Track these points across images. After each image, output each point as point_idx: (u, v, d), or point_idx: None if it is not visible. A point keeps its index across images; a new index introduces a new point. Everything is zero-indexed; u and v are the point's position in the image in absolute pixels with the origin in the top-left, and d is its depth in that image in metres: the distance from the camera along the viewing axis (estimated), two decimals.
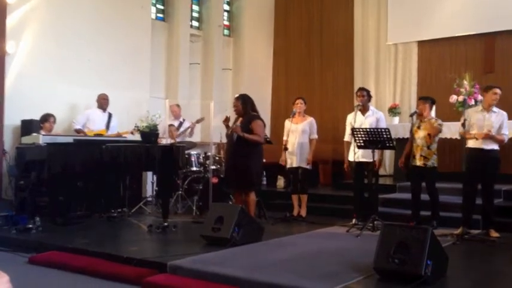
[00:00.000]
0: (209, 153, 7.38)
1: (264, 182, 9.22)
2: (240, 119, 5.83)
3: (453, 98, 7.54)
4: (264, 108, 10.71)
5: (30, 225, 5.68)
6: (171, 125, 7.86)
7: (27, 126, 6.91)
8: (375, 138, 5.82)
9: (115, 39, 8.20)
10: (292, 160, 6.84)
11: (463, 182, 5.69)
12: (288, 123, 6.92)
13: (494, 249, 5.10)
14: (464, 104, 7.11)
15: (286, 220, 6.71)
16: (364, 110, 6.40)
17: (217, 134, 7.78)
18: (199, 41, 10.07)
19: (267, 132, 8.57)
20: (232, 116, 6.05)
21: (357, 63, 9.96)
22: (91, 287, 4.14)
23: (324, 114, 9.69)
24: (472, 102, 7.27)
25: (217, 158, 7.68)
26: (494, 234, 5.52)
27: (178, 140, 7.73)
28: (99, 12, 8.03)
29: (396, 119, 8.69)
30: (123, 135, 7.35)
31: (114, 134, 7.38)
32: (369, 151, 5.96)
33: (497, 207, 5.81)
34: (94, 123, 7.38)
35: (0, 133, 6.43)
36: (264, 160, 7.76)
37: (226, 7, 10.72)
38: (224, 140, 6.64)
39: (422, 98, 6.22)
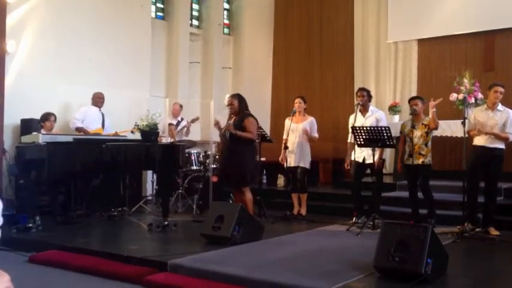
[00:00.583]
0: (209, 152, 7.38)
1: (264, 181, 9.22)
2: (233, 118, 5.87)
3: (453, 96, 7.52)
4: (264, 107, 10.72)
5: (31, 225, 5.69)
6: (170, 124, 7.86)
7: (27, 126, 6.91)
8: (375, 137, 5.82)
9: (115, 38, 8.19)
10: (291, 159, 6.84)
11: (465, 179, 5.69)
12: (288, 122, 6.92)
13: (494, 247, 5.10)
14: (464, 102, 7.11)
15: (286, 219, 6.71)
16: (364, 110, 6.39)
17: (217, 133, 7.76)
18: (199, 39, 10.07)
19: (267, 131, 8.58)
20: (222, 119, 6.12)
21: (357, 62, 9.95)
22: (91, 286, 4.14)
23: (324, 113, 9.68)
24: (472, 100, 7.26)
25: (217, 156, 7.67)
26: (494, 232, 5.53)
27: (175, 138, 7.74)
28: (99, 11, 8.03)
29: (396, 117, 8.68)
30: (121, 135, 7.35)
31: (112, 134, 7.37)
32: (371, 152, 5.96)
33: (497, 205, 5.81)
34: (91, 120, 7.37)
35: (0, 132, 6.42)
36: (264, 159, 7.78)
37: (226, 6, 10.71)
38: None
39: (416, 98, 6.23)
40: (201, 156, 7.52)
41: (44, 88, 7.24)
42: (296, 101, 6.90)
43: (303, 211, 6.86)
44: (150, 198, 7.93)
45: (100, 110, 7.53)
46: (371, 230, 5.60)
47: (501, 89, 5.59)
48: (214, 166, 7.12)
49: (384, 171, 8.85)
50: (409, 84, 9.37)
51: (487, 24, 8.52)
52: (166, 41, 9.51)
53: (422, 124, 5.97)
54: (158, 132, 6.39)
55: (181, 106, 8.37)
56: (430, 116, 5.84)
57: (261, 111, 10.14)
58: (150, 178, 8.02)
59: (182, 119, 8.19)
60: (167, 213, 5.95)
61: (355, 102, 6.73)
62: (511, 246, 5.13)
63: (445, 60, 9.05)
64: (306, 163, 6.86)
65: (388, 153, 8.82)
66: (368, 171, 6.32)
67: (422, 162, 5.90)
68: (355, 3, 9.97)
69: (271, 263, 4.27)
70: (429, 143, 5.96)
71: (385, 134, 5.78)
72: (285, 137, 6.95)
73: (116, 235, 5.84)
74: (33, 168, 6.07)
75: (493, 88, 5.61)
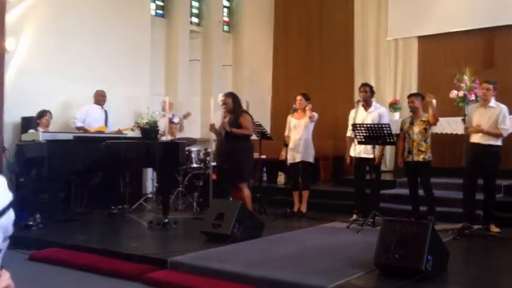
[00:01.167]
0: (209, 150, 7.38)
1: (265, 178, 9.22)
2: (228, 116, 5.90)
3: (453, 93, 7.52)
4: (264, 104, 10.71)
5: (31, 222, 5.69)
6: (171, 122, 7.85)
7: (27, 123, 6.91)
8: (375, 134, 5.82)
9: (115, 36, 8.18)
10: (294, 156, 6.82)
11: (463, 177, 5.71)
12: (289, 119, 6.92)
13: (494, 244, 5.10)
14: (464, 99, 7.10)
15: (287, 216, 6.71)
16: (366, 105, 6.39)
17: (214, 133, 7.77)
18: (199, 37, 10.05)
19: (267, 128, 8.56)
20: (217, 121, 6.15)
21: (357, 59, 9.94)
22: (92, 283, 4.15)
23: (324, 110, 9.64)
24: (473, 97, 7.25)
25: (215, 155, 7.66)
26: (494, 229, 5.53)
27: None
28: (99, 9, 8.01)
29: (397, 115, 8.68)
30: (124, 132, 7.35)
31: (115, 131, 7.37)
32: (370, 147, 5.96)
33: (497, 203, 5.81)
34: (93, 118, 7.38)
35: (0, 130, 6.41)
36: (264, 156, 7.77)
37: (226, 3, 10.69)
38: None
39: (413, 95, 6.24)
40: (201, 153, 7.51)
41: (44, 86, 7.23)
42: (297, 98, 6.90)
43: (303, 208, 6.86)
44: (150, 195, 7.93)
45: (102, 108, 7.53)
46: (371, 227, 5.60)
47: (489, 86, 5.63)
48: (214, 164, 7.12)
49: (384, 168, 8.86)
50: (409, 82, 9.36)
51: (487, 21, 8.51)
52: (166, 38, 9.50)
53: (421, 120, 5.97)
54: (158, 130, 6.39)
55: (170, 103, 8.35)
56: (430, 112, 5.84)
57: (261, 108, 10.14)
58: (150, 176, 8.02)
59: (173, 116, 8.18)
60: (167, 210, 5.95)
61: (357, 98, 6.72)
62: (511, 243, 5.13)
63: (445, 57, 9.03)
64: (310, 158, 6.86)
65: (388, 150, 8.82)
66: (367, 168, 6.30)
67: (423, 158, 5.91)
68: (355, 0, 9.95)
69: (272, 260, 4.27)
70: (428, 139, 5.97)
71: (385, 131, 5.78)
72: (286, 133, 6.95)
73: (116, 233, 5.85)
74: (33, 166, 6.07)
75: (482, 85, 5.70)
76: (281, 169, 8.70)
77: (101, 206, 6.82)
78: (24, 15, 7.15)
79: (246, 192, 5.84)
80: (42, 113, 6.91)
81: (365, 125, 5.92)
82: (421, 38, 9.30)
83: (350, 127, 6.46)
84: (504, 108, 5.65)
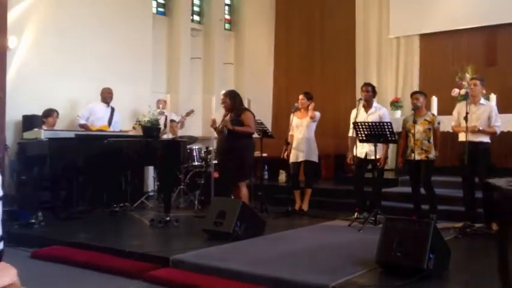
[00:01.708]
0: (210, 148, 7.38)
1: (266, 177, 9.22)
2: (229, 114, 5.90)
3: (455, 92, 7.52)
4: (266, 101, 10.71)
5: (33, 220, 5.70)
6: (172, 120, 7.85)
7: (29, 122, 6.91)
8: (377, 132, 5.81)
9: (116, 34, 8.18)
10: (297, 155, 6.81)
11: (462, 175, 5.71)
12: (292, 118, 6.90)
13: (496, 243, 5.09)
14: (466, 97, 7.09)
15: (288, 214, 6.71)
16: (367, 106, 6.36)
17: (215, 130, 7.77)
18: (200, 35, 10.05)
19: (269, 126, 8.57)
20: (218, 116, 6.14)
21: (358, 57, 9.92)
22: (93, 281, 4.16)
23: (325, 108, 9.63)
24: None
25: (216, 153, 7.67)
26: (496, 227, 5.52)
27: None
28: (100, 7, 8.01)
29: (398, 113, 8.67)
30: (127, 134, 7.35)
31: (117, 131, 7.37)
32: (373, 148, 5.96)
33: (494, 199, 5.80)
34: (97, 117, 7.39)
35: (2, 128, 6.42)
36: (266, 154, 7.77)
37: (227, 1, 10.68)
38: None
39: (418, 92, 6.22)
40: (202, 151, 7.52)
41: (46, 84, 7.24)
42: (299, 97, 6.89)
43: (305, 207, 6.85)
44: (151, 194, 7.94)
45: (109, 105, 7.52)
46: (373, 226, 5.60)
47: (475, 81, 5.68)
48: (216, 162, 7.12)
49: (386, 166, 8.85)
50: (411, 80, 9.34)
51: (489, 19, 8.49)
52: (168, 36, 9.49)
53: (425, 120, 5.94)
54: (160, 128, 6.39)
55: (164, 101, 8.35)
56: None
57: (263, 106, 10.13)
58: (151, 174, 8.02)
59: (173, 114, 8.19)
60: (169, 208, 5.96)
61: (358, 97, 6.70)
62: None
63: (447, 55, 9.02)
64: (314, 157, 6.85)
65: (390, 148, 8.80)
66: (369, 166, 6.30)
67: (426, 157, 5.88)
68: None
69: (273, 258, 4.27)
70: (431, 139, 5.94)
71: (387, 130, 5.77)
72: (290, 133, 6.94)
73: (118, 231, 5.86)
74: (35, 164, 6.08)
75: (472, 81, 5.74)
76: (282, 167, 8.69)
77: (103, 204, 6.83)
78: (26, 13, 7.15)
79: (244, 191, 5.86)
80: (49, 112, 6.92)
81: (366, 123, 5.91)
82: (423, 36, 9.28)
83: (352, 127, 6.45)
84: (493, 105, 5.67)
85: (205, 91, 9.83)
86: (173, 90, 9.09)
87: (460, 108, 5.79)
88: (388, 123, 5.83)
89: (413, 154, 5.87)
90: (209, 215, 5.16)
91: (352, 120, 6.42)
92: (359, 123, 5.94)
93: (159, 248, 4.78)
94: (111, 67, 8.04)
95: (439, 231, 3.81)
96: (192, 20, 9.93)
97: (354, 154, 6.30)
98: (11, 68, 6.88)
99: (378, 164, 6.11)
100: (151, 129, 6.11)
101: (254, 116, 6.08)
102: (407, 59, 9.44)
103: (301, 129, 6.81)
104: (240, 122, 5.84)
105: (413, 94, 6.21)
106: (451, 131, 7.69)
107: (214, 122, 6.09)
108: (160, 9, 9.55)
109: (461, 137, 5.68)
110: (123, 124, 7.78)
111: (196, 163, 7.44)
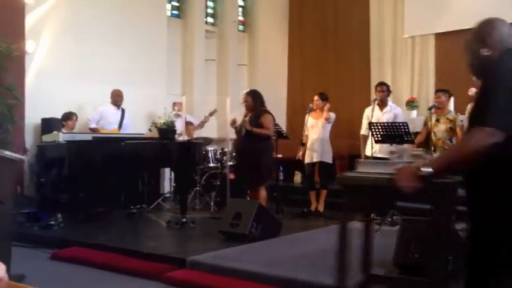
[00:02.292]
0: (226, 149, 7.41)
1: (281, 178, 9.22)
2: (250, 114, 5.85)
3: (472, 91, 7.42)
4: (280, 103, 10.71)
5: (52, 222, 5.78)
6: (188, 123, 7.90)
7: (48, 125, 7.01)
8: (392, 133, 5.78)
9: (132, 37, 8.26)
10: (312, 156, 6.80)
11: None
12: (307, 118, 6.90)
13: None
14: None
15: (304, 215, 6.71)
16: (382, 105, 6.34)
17: (234, 130, 7.79)
18: (214, 37, 10.09)
19: (283, 127, 8.57)
20: (239, 116, 6.11)
21: (373, 57, 9.87)
22: (112, 282, 4.21)
23: (339, 109, 9.59)
24: None
25: (234, 154, 7.70)
26: None
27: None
28: (116, 11, 8.09)
29: (414, 113, 8.61)
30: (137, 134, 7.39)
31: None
32: (385, 146, 5.92)
33: None
34: (108, 121, 7.41)
35: (22, 131, 6.53)
36: (281, 155, 7.78)
37: (241, 2, 10.71)
38: None
39: (441, 91, 6.15)
40: (217, 153, 7.55)
41: (63, 87, 7.33)
42: (314, 98, 6.89)
43: (321, 207, 6.84)
44: (168, 195, 8.00)
45: (119, 108, 7.57)
46: (389, 227, 5.57)
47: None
48: (231, 163, 7.15)
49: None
50: (427, 79, 9.26)
51: (505, 17, 8.35)
52: (182, 39, 9.56)
53: (447, 119, 5.87)
54: (175, 130, 6.44)
55: (180, 103, 8.40)
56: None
57: (277, 107, 10.12)
58: (167, 175, 8.08)
59: (185, 117, 8.23)
60: (185, 210, 5.99)
61: (373, 97, 6.68)
62: None
63: (463, 54, 8.90)
64: (328, 158, 6.83)
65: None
66: None
67: None
68: None
69: (289, 259, 4.28)
70: (454, 138, 5.86)
71: (403, 130, 5.73)
72: (305, 133, 6.93)
73: (135, 232, 5.92)
74: (54, 166, 6.17)
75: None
76: (298, 168, 8.69)
77: (121, 205, 6.90)
78: (43, 17, 7.25)
79: (263, 193, 5.80)
80: (69, 115, 7.02)
81: (382, 124, 5.88)
82: (439, 35, 9.20)
83: (364, 125, 6.43)
84: None
85: (220, 93, 9.86)
86: (188, 92, 9.15)
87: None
88: (404, 124, 5.79)
89: (435, 153, 5.82)
90: (225, 217, 5.19)
91: (365, 118, 6.40)
92: (374, 124, 5.92)
93: (175, 249, 4.82)
94: (127, 70, 8.12)
95: (457, 232, 3.78)
96: (206, 22, 9.98)
97: (369, 154, 6.27)
98: (29, 72, 6.99)
99: None
100: (167, 131, 6.16)
101: (274, 119, 5.97)
102: (423, 59, 9.36)
103: (316, 129, 6.80)
104: (259, 124, 5.74)
105: (435, 92, 6.15)
106: None
107: (234, 121, 5.99)
108: (175, 12, 9.61)
109: None
110: (139, 126, 7.83)
111: (211, 164, 7.47)
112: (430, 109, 6.02)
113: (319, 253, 4.56)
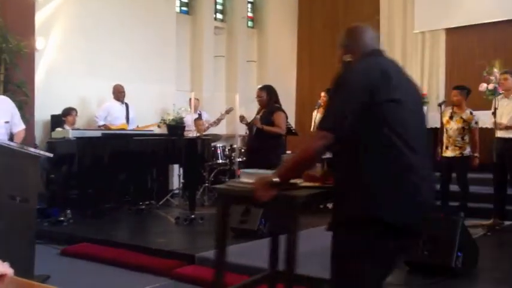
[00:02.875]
0: (235, 146, 7.40)
1: None
2: (263, 110, 5.78)
3: (483, 87, 7.36)
4: (289, 99, 10.66)
5: (62, 218, 5.81)
6: (197, 118, 7.90)
7: (57, 121, 7.05)
8: None
9: (141, 34, 8.27)
10: None
11: (493, 172, 5.60)
12: (315, 114, 6.88)
13: None
14: (494, 92, 6.95)
15: (314, 211, 6.67)
16: None
17: (243, 127, 7.77)
18: (223, 33, 10.08)
19: (292, 123, 8.53)
20: (247, 113, 6.07)
21: None
22: (121, 278, 4.22)
23: None
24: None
25: (242, 150, 7.70)
26: None
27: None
28: (125, 7, 8.11)
29: (424, 109, 8.53)
30: (147, 129, 7.41)
31: (134, 128, 7.42)
32: None
33: None
34: (114, 116, 7.41)
35: (32, 128, 6.56)
36: (289, 152, 7.75)
37: None
38: None
39: (459, 88, 6.05)
40: (226, 149, 7.55)
41: (73, 84, 7.37)
42: (321, 94, 6.86)
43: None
44: (176, 191, 8.01)
45: (123, 103, 7.55)
46: None
47: (505, 76, 5.62)
48: (240, 160, 7.14)
49: None
50: (437, 75, 9.19)
51: None
52: (191, 35, 9.56)
53: (461, 117, 5.79)
54: (184, 126, 6.45)
55: (197, 99, 8.39)
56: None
57: (286, 103, 10.02)
58: (176, 172, 8.10)
59: (201, 113, 8.23)
60: (194, 206, 6.00)
61: None
62: None
63: (474, 49, 8.83)
64: None
65: None
66: None
67: (461, 154, 5.73)
68: None
69: (299, 256, 4.25)
70: (466, 137, 5.78)
71: None
72: (312, 129, 6.91)
73: (144, 228, 5.94)
74: (63, 163, 6.19)
75: (501, 75, 5.61)
76: None
77: (129, 202, 6.92)
78: (53, 14, 7.29)
79: None
80: (68, 111, 7.04)
81: None
82: (449, 30, 9.12)
83: None
84: None
85: (229, 89, 9.86)
86: (197, 89, 9.15)
87: (497, 102, 5.69)
88: None
89: (447, 151, 5.77)
90: (234, 213, 5.18)
91: None
92: None
93: (184, 245, 4.83)
94: (136, 66, 8.14)
95: (467, 229, 3.75)
96: (215, 19, 9.97)
97: None
98: (39, 68, 7.03)
99: None
100: (175, 128, 6.17)
101: (287, 117, 5.86)
102: (433, 54, 9.29)
103: None
104: (271, 121, 5.62)
105: (453, 89, 6.08)
106: (479, 126, 7.59)
107: (242, 117, 5.91)
108: (184, 8, 9.61)
109: (497, 133, 5.57)
110: (147, 122, 7.84)
111: (220, 161, 7.47)
112: (440, 105, 5.96)
113: (328, 250, 4.53)
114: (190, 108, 7.69)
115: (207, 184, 7.44)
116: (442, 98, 8.47)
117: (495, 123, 5.51)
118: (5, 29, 6.08)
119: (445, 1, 8.99)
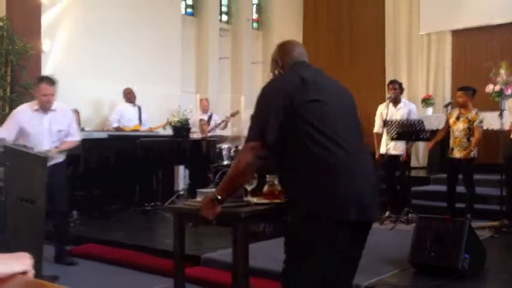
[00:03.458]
0: (240, 147, 7.40)
1: None
2: None
3: (489, 88, 7.33)
4: None
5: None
6: (201, 120, 7.92)
7: None
8: (408, 130, 5.72)
9: (146, 35, 8.30)
10: None
11: (502, 174, 5.57)
12: None
13: None
14: (501, 94, 6.93)
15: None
16: (395, 102, 6.29)
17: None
18: (229, 35, 10.10)
19: None
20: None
21: (388, 55, 9.79)
22: (127, 278, 4.23)
23: None
24: (509, 91, 7.06)
25: None
26: None
27: (210, 134, 7.79)
28: (130, 9, 8.14)
29: (430, 110, 8.52)
30: (155, 130, 7.45)
31: (147, 130, 7.48)
32: (399, 144, 5.87)
33: None
34: (127, 119, 7.47)
35: None
36: None
37: (255, 0, 10.70)
38: None
39: (463, 89, 6.04)
40: (232, 151, 7.55)
41: (79, 86, 7.39)
42: None
43: None
44: (182, 193, 8.02)
45: (135, 104, 7.61)
46: (405, 225, 5.52)
47: None
48: None
49: (417, 164, 8.72)
50: (443, 77, 9.17)
51: None
52: (196, 36, 9.58)
53: (466, 118, 5.78)
54: (189, 128, 6.46)
55: (206, 100, 8.42)
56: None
57: None
58: (182, 173, 8.11)
59: (212, 114, 8.24)
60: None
61: (387, 95, 6.63)
62: None
63: (480, 51, 8.81)
64: None
65: (421, 146, 8.66)
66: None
67: (466, 156, 5.72)
68: None
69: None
70: (471, 138, 5.77)
71: (418, 127, 5.68)
72: None
73: (150, 229, 5.95)
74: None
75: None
76: None
77: (135, 203, 6.94)
78: (59, 17, 7.32)
79: None
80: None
81: (397, 121, 5.83)
82: (455, 32, 9.09)
83: (378, 123, 6.38)
84: None
85: (234, 91, 9.87)
86: (202, 91, 9.17)
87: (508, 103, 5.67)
88: (419, 121, 5.74)
89: (453, 152, 5.75)
90: None
91: (378, 115, 6.36)
92: (389, 121, 5.87)
93: (190, 246, 4.80)
94: (141, 68, 8.16)
95: (474, 231, 3.74)
96: (220, 20, 9.99)
97: (383, 152, 6.22)
98: (45, 70, 7.05)
99: (401, 158, 6.04)
100: (181, 129, 6.18)
101: None
102: (439, 56, 9.26)
103: None
104: None
105: (458, 90, 6.07)
106: (485, 128, 7.55)
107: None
108: (189, 10, 9.64)
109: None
110: (153, 123, 7.88)
111: (225, 162, 7.47)
112: (446, 106, 5.95)
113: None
114: (200, 109, 7.71)
115: (212, 185, 7.43)
116: (448, 99, 8.45)
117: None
118: (12, 31, 6.13)
119: (451, 2, 8.97)
